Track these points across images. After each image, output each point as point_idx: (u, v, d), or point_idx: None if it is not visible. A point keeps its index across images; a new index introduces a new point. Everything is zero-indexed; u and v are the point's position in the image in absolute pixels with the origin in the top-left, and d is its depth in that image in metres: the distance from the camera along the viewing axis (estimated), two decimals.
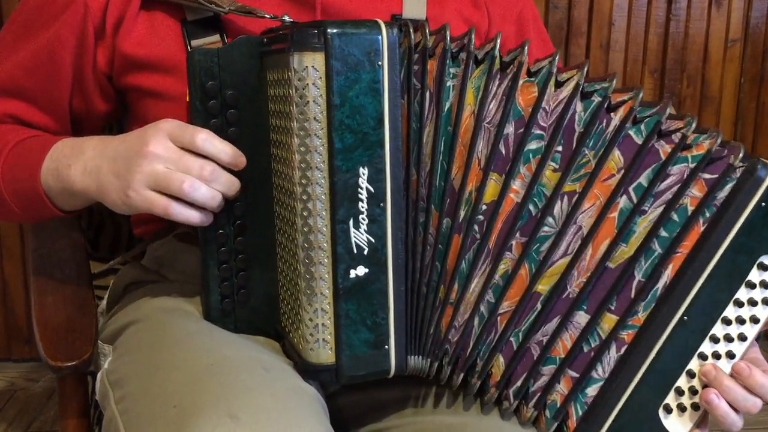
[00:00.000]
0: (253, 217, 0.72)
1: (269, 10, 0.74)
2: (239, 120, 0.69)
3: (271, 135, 0.70)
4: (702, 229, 0.63)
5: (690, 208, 0.63)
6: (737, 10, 2.19)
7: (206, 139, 0.66)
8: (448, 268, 0.67)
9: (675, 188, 0.63)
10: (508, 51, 0.67)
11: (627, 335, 0.66)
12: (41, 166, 0.75)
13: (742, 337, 0.66)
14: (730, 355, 0.67)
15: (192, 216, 0.67)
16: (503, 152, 0.65)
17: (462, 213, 0.66)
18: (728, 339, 0.66)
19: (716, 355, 0.66)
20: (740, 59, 2.22)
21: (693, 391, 0.67)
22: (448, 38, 0.64)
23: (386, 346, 0.67)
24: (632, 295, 0.65)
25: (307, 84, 0.62)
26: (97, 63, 0.79)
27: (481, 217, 0.66)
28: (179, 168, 0.65)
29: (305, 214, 0.64)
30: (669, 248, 0.63)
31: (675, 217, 0.63)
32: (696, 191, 0.63)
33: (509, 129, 0.65)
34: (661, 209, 0.63)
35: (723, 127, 2.23)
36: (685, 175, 0.62)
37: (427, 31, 0.65)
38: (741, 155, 0.62)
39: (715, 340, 0.66)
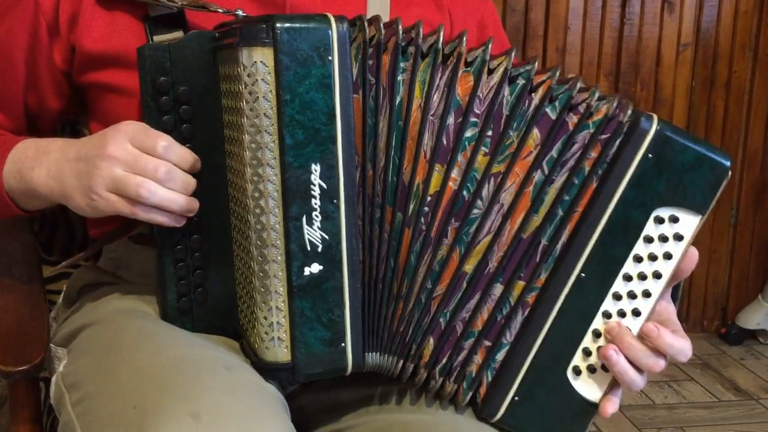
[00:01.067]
0: (209, 214, 0.71)
1: (239, 9, 0.73)
2: (192, 116, 0.69)
3: (225, 131, 0.69)
4: (594, 186, 0.64)
5: (587, 170, 0.65)
6: (689, 15, 2.25)
7: (168, 147, 0.66)
8: (400, 263, 0.67)
9: (578, 154, 0.64)
10: (448, 43, 0.67)
11: (531, 297, 0.67)
12: (3, 167, 0.74)
13: (647, 294, 0.67)
14: (636, 313, 0.67)
15: (159, 218, 0.67)
16: (445, 143, 0.66)
17: (411, 206, 0.66)
18: (632, 296, 0.67)
19: (621, 313, 0.67)
20: (692, 63, 2.28)
21: None
22: (400, 32, 0.64)
23: (342, 344, 0.66)
24: (537, 260, 0.66)
25: (257, 80, 0.61)
26: (53, 60, 0.78)
27: (426, 208, 0.66)
28: (136, 170, 0.65)
29: (258, 211, 0.64)
30: (568, 210, 0.65)
31: (575, 180, 0.65)
32: (593, 153, 0.64)
33: (450, 119, 0.65)
34: (566, 176, 0.65)
35: None
36: (586, 141, 0.64)
37: (381, 25, 0.65)
38: (629, 112, 0.64)
39: (617, 297, 0.67)
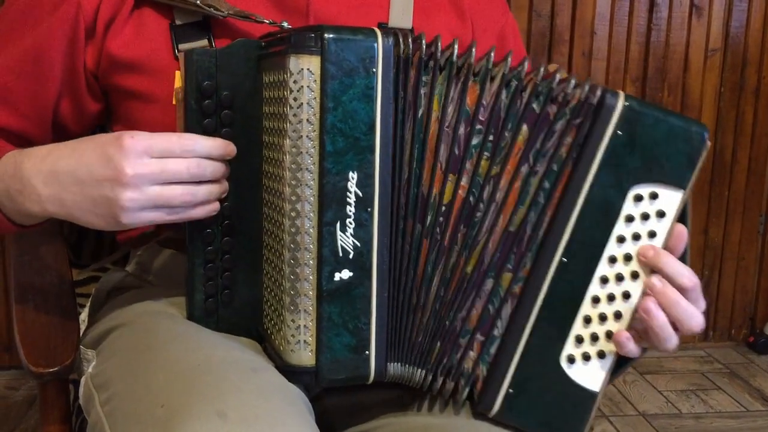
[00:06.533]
0: (241, 218, 0.72)
1: (263, 16, 0.75)
2: (233, 121, 0.70)
3: (264, 137, 0.71)
4: (569, 170, 0.65)
5: (564, 155, 0.65)
6: (717, 20, 2.22)
7: (197, 142, 0.65)
8: (419, 274, 0.68)
9: (557, 142, 0.65)
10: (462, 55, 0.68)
11: (518, 288, 0.67)
12: None
13: (635, 275, 0.66)
14: (626, 296, 0.66)
15: (198, 214, 0.67)
16: (457, 153, 0.67)
17: (429, 218, 0.67)
18: (619, 278, 0.66)
19: (610, 297, 0.66)
20: (720, 68, 2.25)
21: (594, 338, 0.67)
22: (424, 47, 0.66)
23: (366, 352, 0.67)
24: (523, 249, 0.66)
25: (302, 86, 0.63)
26: (86, 62, 0.79)
27: (441, 218, 0.67)
28: (168, 177, 0.64)
29: (293, 215, 0.65)
30: (548, 197, 0.65)
31: (554, 167, 0.65)
32: (569, 138, 0.65)
33: (462, 129, 0.67)
34: (546, 164, 0.65)
35: None
36: (564, 128, 0.65)
37: (409, 40, 0.66)
38: (598, 93, 0.64)
39: (604, 280, 0.66)
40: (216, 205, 0.68)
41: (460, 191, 0.67)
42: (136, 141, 0.64)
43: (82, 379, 0.77)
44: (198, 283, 0.72)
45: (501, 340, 0.67)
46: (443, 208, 0.67)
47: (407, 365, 0.70)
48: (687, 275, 0.65)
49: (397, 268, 0.68)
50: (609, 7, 2.18)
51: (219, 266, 0.73)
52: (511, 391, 0.67)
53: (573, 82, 0.65)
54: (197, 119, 0.69)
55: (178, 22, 0.77)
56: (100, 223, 0.67)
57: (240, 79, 0.70)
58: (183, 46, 0.76)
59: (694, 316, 0.65)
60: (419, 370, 0.70)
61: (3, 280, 2.02)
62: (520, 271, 0.67)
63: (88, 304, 0.92)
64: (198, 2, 0.74)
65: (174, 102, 0.74)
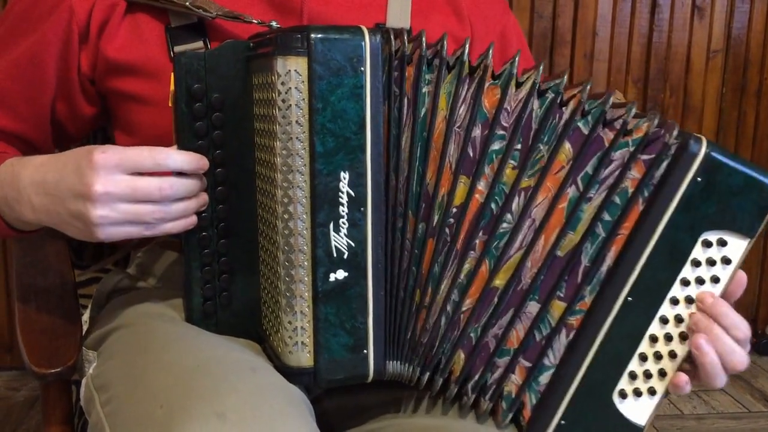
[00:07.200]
0: (237, 220, 0.72)
1: (257, 17, 0.75)
2: (224, 123, 0.70)
3: (256, 138, 0.70)
4: (641, 209, 0.64)
5: (630, 190, 0.64)
6: (719, 21, 2.22)
7: (169, 156, 0.65)
8: (423, 273, 0.68)
9: (617, 173, 0.64)
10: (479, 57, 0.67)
11: (575, 320, 0.66)
12: None
13: None
14: (683, 337, 0.66)
15: (175, 228, 0.67)
16: (471, 155, 0.66)
17: (435, 217, 0.67)
18: (678, 320, 0.66)
19: (668, 337, 0.66)
20: (722, 70, 2.25)
21: (647, 375, 0.67)
22: (424, 45, 0.65)
23: (365, 351, 0.67)
24: (579, 281, 0.66)
25: (290, 88, 0.63)
26: (80, 66, 0.79)
27: (451, 220, 0.67)
28: (138, 197, 0.64)
29: (286, 217, 0.65)
30: (611, 231, 0.64)
31: (617, 200, 0.64)
32: (636, 173, 0.64)
33: (476, 131, 0.66)
34: (604, 194, 0.64)
35: (705, 136, 2.26)
36: (626, 159, 0.64)
37: (405, 38, 0.66)
38: (675, 133, 0.63)
39: (664, 321, 0.66)
40: (194, 219, 0.68)
41: (476, 195, 0.66)
42: (108, 156, 0.63)
43: (83, 380, 0.78)
44: (195, 286, 0.73)
45: (555, 371, 0.67)
46: (453, 209, 0.66)
47: (408, 364, 0.70)
48: (743, 329, 0.66)
49: (396, 266, 0.68)
50: (611, 9, 2.17)
51: (216, 269, 0.73)
52: (563, 422, 0.67)
53: (633, 110, 0.63)
54: (188, 123, 0.69)
55: (173, 25, 0.77)
56: (80, 235, 0.67)
57: (230, 81, 0.69)
58: (178, 48, 0.76)
59: (736, 352, 0.65)
60: (425, 371, 0.69)
61: (5, 281, 2.03)
62: (577, 303, 0.66)
63: (90, 305, 0.93)
64: (187, 4, 0.74)
65: (170, 104, 0.74)
